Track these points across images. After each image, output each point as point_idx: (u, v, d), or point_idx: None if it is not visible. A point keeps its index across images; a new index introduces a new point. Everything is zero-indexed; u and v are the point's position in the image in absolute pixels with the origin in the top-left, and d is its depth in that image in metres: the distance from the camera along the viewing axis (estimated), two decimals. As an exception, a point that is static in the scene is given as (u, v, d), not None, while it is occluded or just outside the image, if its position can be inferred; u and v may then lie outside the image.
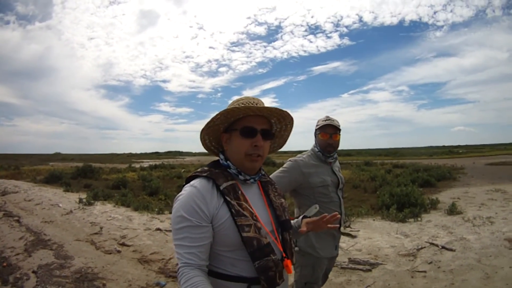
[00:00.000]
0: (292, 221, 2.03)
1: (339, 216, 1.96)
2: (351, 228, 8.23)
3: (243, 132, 1.65)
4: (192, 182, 1.62)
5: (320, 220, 1.94)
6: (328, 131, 3.04)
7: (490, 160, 39.84)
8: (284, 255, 1.70)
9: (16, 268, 5.75)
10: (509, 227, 7.41)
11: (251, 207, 1.63)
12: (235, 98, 1.78)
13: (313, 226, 1.97)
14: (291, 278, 3.11)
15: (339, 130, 3.08)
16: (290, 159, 3.15)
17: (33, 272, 5.58)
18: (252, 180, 1.73)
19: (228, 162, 1.71)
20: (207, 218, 1.54)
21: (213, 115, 1.62)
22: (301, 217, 2.08)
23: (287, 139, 1.96)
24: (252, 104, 1.67)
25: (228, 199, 1.58)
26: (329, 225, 1.94)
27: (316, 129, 3.15)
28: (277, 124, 1.83)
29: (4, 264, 5.88)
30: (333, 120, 3.07)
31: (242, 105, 1.66)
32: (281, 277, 1.61)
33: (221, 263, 1.61)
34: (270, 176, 2.25)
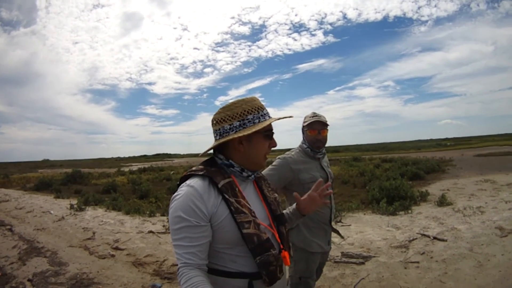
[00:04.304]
0: (284, 211, 2.06)
1: (331, 191, 2.00)
2: (342, 222, 8.28)
3: (266, 135, 1.75)
4: (188, 182, 1.62)
5: (313, 193, 1.99)
6: (316, 127, 3.06)
7: (478, 152, 40.33)
8: (281, 246, 1.73)
9: (11, 277, 5.71)
10: (499, 216, 7.51)
11: (248, 204, 1.65)
12: (221, 98, 1.80)
13: (309, 200, 2.01)
14: (288, 273, 3.15)
15: (327, 125, 3.10)
16: (278, 156, 3.15)
17: (29, 280, 5.55)
18: (252, 176, 1.78)
19: (230, 161, 1.73)
20: (206, 217, 1.54)
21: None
22: (294, 204, 2.10)
23: None
24: (264, 107, 1.76)
25: (227, 196, 1.59)
26: (323, 201, 2.00)
27: (303, 126, 3.16)
28: None
29: (-1, 274, 5.86)
30: (320, 116, 3.09)
31: (258, 107, 1.74)
32: (281, 271, 1.63)
33: (221, 260, 1.62)
34: None
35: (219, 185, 1.60)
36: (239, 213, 1.58)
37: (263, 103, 1.79)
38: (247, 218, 1.58)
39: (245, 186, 1.76)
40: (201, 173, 1.64)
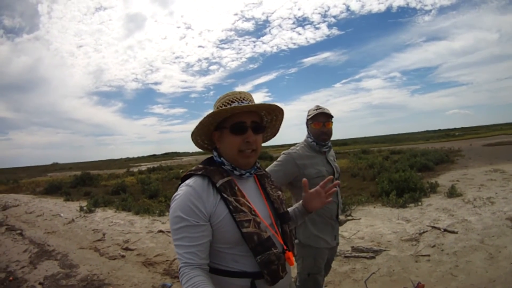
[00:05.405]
0: (291, 208, 2.03)
1: (335, 189, 1.98)
2: (352, 216, 8.25)
3: (233, 129, 1.64)
4: (187, 181, 1.62)
5: (319, 189, 1.95)
6: (320, 120, 3.04)
7: (487, 141, 40.02)
8: (285, 247, 1.70)
9: (22, 281, 5.76)
10: (510, 206, 7.46)
11: (249, 202, 1.63)
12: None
13: (316, 195, 1.96)
14: (294, 270, 3.14)
15: (331, 117, 3.08)
16: (283, 152, 3.13)
17: (40, 283, 5.60)
18: (247, 174, 1.73)
19: (221, 159, 1.71)
20: (205, 216, 1.54)
21: (207, 113, 1.62)
22: (300, 201, 2.05)
23: (279, 128, 1.94)
24: (239, 99, 1.69)
25: (225, 196, 1.57)
26: (328, 193, 1.95)
27: (308, 119, 3.15)
28: (267, 116, 1.82)
29: (11, 278, 5.89)
30: (324, 109, 3.08)
31: (229, 101, 1.68)
32: (284, 270, 1.61)
33: (223, 260, 1.61)
34: None
35: (217, 184, 1.59)
36: (238, 212, 1.56)
37: (246, 93, 1.75)
38: (247, 217, 1.57)
39: (245, 184, 1.74)
40: (200, 172, 1.63)
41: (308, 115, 3.16)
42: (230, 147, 1.67)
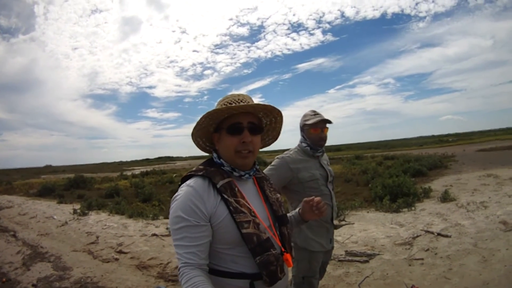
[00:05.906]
0: (288, 214, 2.03)
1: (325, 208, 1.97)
2: (345, 221, 8.26)
3: (229, 130, 1.66)
4: (188, 182, 1.63)
5: (309, 205, 1.94)
6: (319, 126, 3.05)
7: (480, 147, 40.26)
8: (283, 249, 1.71)
9: (15, 282, 5.72)
10: (503, 210, 7.50)
11: (248, 204, 1.64)
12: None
13: (309, 210, 1.97)
14: (291, 273, 3.14)
15: (330, 123, 3.10)
16: (277, 156, 3.15)
17: (33, 285, 5.55)
18: (247, 176, 1.73)
19: (221, 160, 1.72)
20: (205, 217, 1.54)
21: (202, 116, 1.64)
22: (298, 209, 2.07)
23: (280, 130, 1.95)
24: (237, 101, 1.70)
25: (226, 196, 1.58)
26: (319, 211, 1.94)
27: (304, 124, 3.14)
28: (265, 118, 1.83)
29: (4, 279, 5.84)
30: (322, 115, 3.08)
31: (227, 103, 1.70)
32: (282, 271, 1.62)
33: (222, 261, 1.61)
34: None
35: (218, 185, 1.60)
36: (238, 213, 1.57)
37: (245, 96, 1.77)
38: (246, 217, 1.57)
39: (245, 186, 1.74)
40: (200, 173, 1.64)
41: (305, 120, 3.15)
42: (227, 148, 1.68)
